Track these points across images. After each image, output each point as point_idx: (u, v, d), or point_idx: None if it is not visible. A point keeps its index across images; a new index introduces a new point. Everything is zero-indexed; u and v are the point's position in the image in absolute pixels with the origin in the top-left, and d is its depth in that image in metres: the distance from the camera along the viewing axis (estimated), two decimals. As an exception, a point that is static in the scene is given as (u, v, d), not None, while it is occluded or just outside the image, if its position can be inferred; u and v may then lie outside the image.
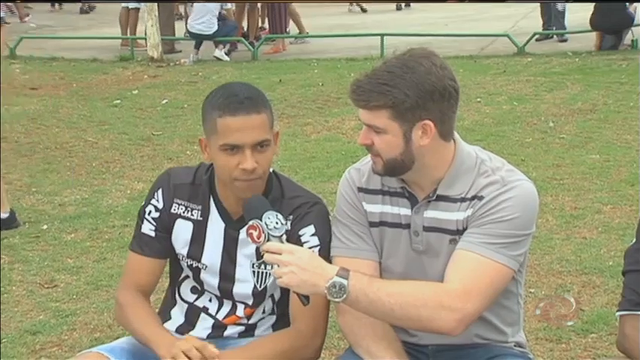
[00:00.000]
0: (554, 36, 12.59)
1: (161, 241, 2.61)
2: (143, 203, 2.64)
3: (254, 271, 2.56)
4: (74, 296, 4.61)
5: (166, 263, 2.68)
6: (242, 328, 2.63)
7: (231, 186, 2.46)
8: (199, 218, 2.57)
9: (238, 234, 2.54)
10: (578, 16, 12.41)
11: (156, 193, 2.60)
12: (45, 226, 5.73)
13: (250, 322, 2.63)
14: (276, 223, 2.29)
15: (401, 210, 2.44)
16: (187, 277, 2.65)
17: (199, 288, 2.64)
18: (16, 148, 7.69)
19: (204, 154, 2.52)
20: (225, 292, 2.60)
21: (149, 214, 2.60)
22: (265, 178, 2.49)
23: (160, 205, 2.59)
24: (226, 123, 2.40)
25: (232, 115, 2.39)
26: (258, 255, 2.52)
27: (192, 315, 2.66)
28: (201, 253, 2.58)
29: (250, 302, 2.60)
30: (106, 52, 12.73)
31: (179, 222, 2.59)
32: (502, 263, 2.32)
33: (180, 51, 12.78)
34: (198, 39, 12.19)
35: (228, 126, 2.39)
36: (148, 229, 2.61)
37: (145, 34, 12.17)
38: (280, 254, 2.26)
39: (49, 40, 14.03)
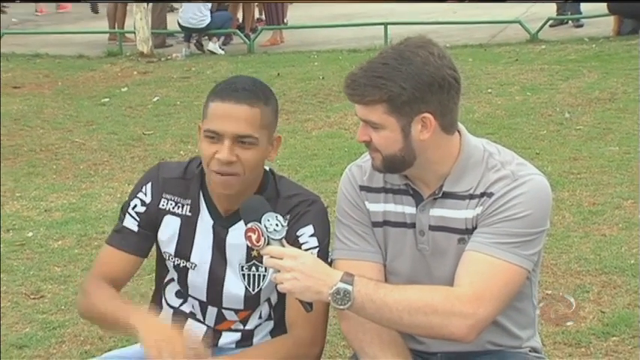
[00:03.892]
0: (569, 21, 12.56)
1: (142, 238, 2.59)
2: (128, 197, 2.62)
3: (244, 274, 2.55)
4: (62, 307, 4.60)
5: (141, 264, 2.64)
6: (238, 335, 2.62)
7: (210, 179, 2.47)
8: (188, 214, 2.56)
9: (227, 233, 2.54)
10: (594, -1, 12.40)
11: (144, 187, 2.61)
12: (30, 234, 5.73)
13: (247, 327, 2.61)
14: (276, 225, 2.28)
15: (405, 208, 2.44)
16: (172, 279, 2.64)
17: (184, 292, 2.62)
18: (-1, 151, 7.72)
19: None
20: (212, 297, 2.58)
21: (134, 208, 2.60)
22: (247, 180, 2.46)
23: (148, 200, 2.58)
24: (214, 108, 2.43)
25: (221, 100, 2.42)
26: (249, 257, 2.52)
27: (178, 322, 2.62)
28: (190, 250, 2.57)
29: (241, 307, 2.59)
30: (92, 47, 12.73)
31: (167, 218, 2.58)
32: (515, 264, 2.32)
33: (172, 45, 12.79)
34: (191, 33, 12.19)
35: (215, 111, 2.43)
36: (130, 223, 2.59)
37: (134, 27, 12.18)
38: (282, 259, 2.25)
39: (33, 35, 14.04)
